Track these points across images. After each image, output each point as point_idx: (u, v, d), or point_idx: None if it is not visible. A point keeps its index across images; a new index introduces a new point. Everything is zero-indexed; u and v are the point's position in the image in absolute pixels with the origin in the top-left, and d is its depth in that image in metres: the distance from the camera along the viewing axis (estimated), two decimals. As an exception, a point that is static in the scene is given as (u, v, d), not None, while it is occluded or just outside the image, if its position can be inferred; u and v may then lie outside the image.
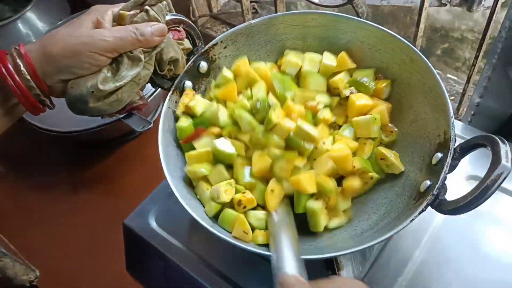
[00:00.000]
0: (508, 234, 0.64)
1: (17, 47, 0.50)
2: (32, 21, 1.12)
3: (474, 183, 0.68)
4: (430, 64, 0.56)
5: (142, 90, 0.63)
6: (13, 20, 1.10)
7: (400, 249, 0.64)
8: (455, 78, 0.98)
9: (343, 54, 0.65)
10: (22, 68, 0.49)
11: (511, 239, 0.64)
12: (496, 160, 0.44)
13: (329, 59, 0.66)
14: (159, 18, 0.56)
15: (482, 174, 0.55)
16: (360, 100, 0.62)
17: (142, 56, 0.53)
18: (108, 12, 0.55)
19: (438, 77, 0.55)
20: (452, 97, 0.93)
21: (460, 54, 2.11)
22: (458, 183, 0.69)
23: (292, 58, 0.66)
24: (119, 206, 0.91)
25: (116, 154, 0.98)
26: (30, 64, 0.49)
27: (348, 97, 0.63)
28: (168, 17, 0.58)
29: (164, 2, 0.58)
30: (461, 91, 0.86)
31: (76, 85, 0.51)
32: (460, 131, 0.75)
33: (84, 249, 0.90)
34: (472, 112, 0.79)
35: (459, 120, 0.83)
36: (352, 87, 0.64)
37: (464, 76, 1.78)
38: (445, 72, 2.14)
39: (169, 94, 0.63)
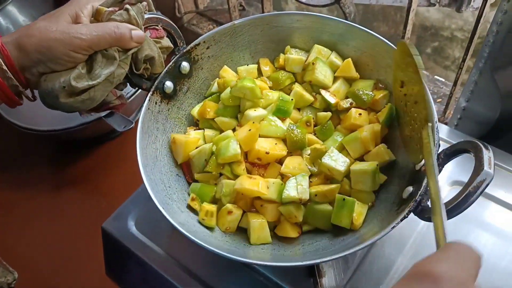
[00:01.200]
0: (493, 239, 0.64)
1: None
2: (13, 15, 1.09)
3: (458, 189, 0.69)
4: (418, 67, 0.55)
5: (122, 90, 0.62)
6: (-6, 13, 1.07)
7: (383, 255, 0.64)
8: (443, 80, 0.97)
9: (349, 60, 0.64)
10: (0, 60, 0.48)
11: (496, 244, 0.64)
12: (478, 166, 0.44)
13: (336, 58, 0.65)
14: (138, 20, 0.55)
15: (466, 179, 0.54)
16: (356, 119, 0.60)
17: (117, 55, 0.52)
18: (88, 6, 0.54)
19: (424, 80, 0.54)
20: (439, 99, 0.92)
21: (449, 53, 2.11)
22: (442, 188, 0.69)
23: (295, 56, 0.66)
24: (100, 206, 0.90)
25: (98, 153, 0.96)
26: (7, 56, 0.48)
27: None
28: (146, 16, 0.57)
29: (144, 3, 0.57)
30: (448, 93, 0.85)
31: (49, 79, 0.51)
32: (445, 135, 0.75)
33: (64, 250, 0.88)
34: (459, 116, 0.78)
35: (446, 123, 0.83)
36: (350, 99, 0.62)
37: (453, 75, 1.78)
38: (435, 70, 2.14)
39: (149, 95, 0.62)
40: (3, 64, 0.48)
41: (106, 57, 0.52)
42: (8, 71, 0.49)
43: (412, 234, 0.65)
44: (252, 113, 0.61)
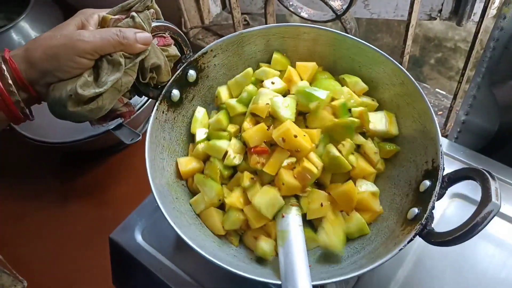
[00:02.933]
0: (492, 251, 0.65)
1: (1, 53, 0.49)
2: (25, 30, 1.12)
3: (458, 201, 0.70)
4: (420, 89, 0.56)
5: (130, 99, 0.61)
6: (7, 29, 1.10)
7: (382, 267, 0.64)
8: (444, 92, 0.98)
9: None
10: (6, 73, 0.48)
11: (495, 255, 0.64)
12: (486, 197, 0.45)
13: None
14: (145, 26, 0.54)
15: (466, 192, 0.54)
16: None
17: (122, 60, 0.52)
18: (94, 15, 0.53)
19: (429, 104, 0.55)
20: (440, 112, 0.94)
21: (453, 64, 2.12)
22: (441, 201, 0.70)
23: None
24: (107, 216, 0.92)
25: (106, 164, 0.98)
26: (14, 69, 0.48)
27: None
28: (154, 24, 0.57)
29: (152, 10, 0.57)
30: (449, 106, 0.87)
31: (56, 88, 0.50)
32: (446, 148, 0.76)
33: (72, 260, 0.90)
34: (458, 129, 0.79)
35: (446, 136, 0.84)
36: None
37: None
38: (439, 81, 2.15)
39: (157, 104, 0.62)
40: (9, 78, 0.48)
41: (111, 63, 0.51)
42: (12, 85, 0.48)
43: (412, 246, 0.66)
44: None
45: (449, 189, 0.70)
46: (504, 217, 0.68)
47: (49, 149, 0.91)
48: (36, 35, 1.12)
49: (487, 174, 0.47)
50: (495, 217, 0.67)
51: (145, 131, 0.62)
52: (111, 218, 0.89)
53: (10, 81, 0.48)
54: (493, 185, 0.46)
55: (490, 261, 0.64)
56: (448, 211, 0.69)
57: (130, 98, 0.61)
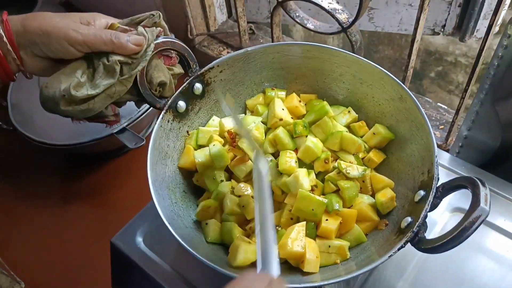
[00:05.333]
0: (491, 265, 0.65)
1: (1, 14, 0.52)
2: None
3: (459, 215, 0.71)
4: (418, 104, 0.58)
5: (120, 107, 0.63)
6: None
7: (384, 279, 0.65)
8: (445, 107, 0.99)
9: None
10: (1, 32, 0.50)
11: (494, 270, 0.65)
12: (475, 202, 0.46)
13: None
14: (147, 34, 0.56)
15: (466, 206, 0.55)
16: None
17: (117, 68, 0.54)
18: (103, 20, 0.56)
19: (426, 117, 0.56)
20: (442, 126, 0.95)
21: (453, 78, 2.14)
22: (442, 215, 0.71)
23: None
24: (107, 220, 0.92)
25: (107, 168, 0.98)
26: (8, 30, 0.51)
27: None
28: (160, 39, 0.59)
29: (160, 28, 0.59)
30: (451, 120, 0.88)
31: (50, 86, 0.52)
32: (447, 162, 0.77)
33: (72, 262, 0.90)
34: (460, 144, 0.80)
35: (447, 150, 0.85)
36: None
37: (456, 99, 1.81)
38: (438, 94, 2.17)
39: (162, 113, 0.64)
40: (4, 37, 0.50)
41: (107, 69, 0.54)
42: (8, 43, 0.50)
43: (414, 258, 0.67)
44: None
45: (450, 203, 0.71)
46: (504, 232, 0.68)
47: (51, 150, 0.91)
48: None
49: (478, 181, 0.47)
50: (496, 233, 0.69)
51: (149, 136, 0.63)
52: (112, 221, 0.89)
53: (5, 40, 0.50)
54: (483, 191, 0.46)
55: (490, 276, 0.65)
56: (449, 225, 0.69)
57: (120, 107, 0.63)
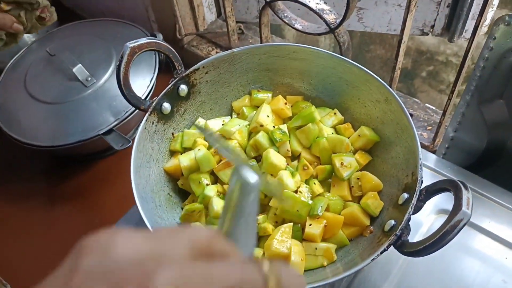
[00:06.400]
0: (477, 267, 0.66)
1: None
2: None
3: (444, 217, 0.71)
4: (403, 106, 0.58)
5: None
6: None
7: (369, 281, 0.65)
8: (433, 107, 0.99)
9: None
10: None
11: (480, 273, 0.65)
12: (457, 206, 0.46)
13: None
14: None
15: (448, 206, 0.55)
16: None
17: None
18: None
19: (411, 119, 0.56)
20: (430, 127, 0.95)
21: (444, 77, 2.15)
22: (428, 218, 0.71)
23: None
24: (94, 222, 0.91)
25: (94, 169, 0.97)
26: None
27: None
28: (145, 40, 0.59)
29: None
30: (438, 121, 0.88)
31: None
32: (433, 164, 0.77)
33: (57, 265, 0.89)
34: (447, 145, 0.80)
35: (435, 151, 0.85)
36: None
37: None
38: (429, 93, 2.18)
39: (147, 115, 0.63)
40: None
41: None
42: None
43: (399, 260, 0.67)
44: None
45: (436, 205, 0.71)
46: (490, 234, 0.69)
47: (37, 151, 0.90)
48: (29, 36, 1.11)
49: (460, 184, 0.48)
50: (481, 235, 0.69)
51: (135, 138, 0.63)
52: (97, 223, 0.88)
53: None
54: (465, 194, 0.46)
55: (475, 277, 0.65)
56: (434, 227, 0.70)
57: None
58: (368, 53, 2.20)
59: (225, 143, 0.60)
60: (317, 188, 0.62)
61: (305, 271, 0.57)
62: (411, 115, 0.98)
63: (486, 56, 0.69)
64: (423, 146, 0.91)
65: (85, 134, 0.86)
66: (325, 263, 0.57)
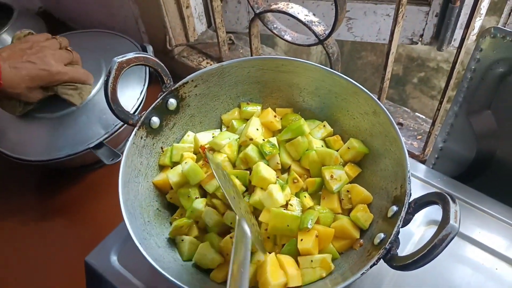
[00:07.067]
0: (468, 277, 0.66)
1: None
2: (7, 43, 1.11)
3: (434, 228, 0.71)
4: (392, 118, 0.58)
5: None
6: (-12, 41, 1.09)
7: (360, 293, 0.65)
8: (423, 117, 1.00)
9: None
10: None
11: (471, 282, 0.65)
12: (445, 220, 0.46)
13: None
14: None
15: (438, 217, 0.55)
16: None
17: None
18: None
19: (399, 132, 0.57)
20: (420, 136, 0.95)
21: (435, 83, 2.17)
22: (418, 228, 0.71)
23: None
24: (84, 237, 0.90)
25: (83, 183, 0.96)
26: None
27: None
28: (132, 55, 0.59)
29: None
30: (428, 131, 0.88)
31: None
32: (423, 174, 0.77)
33: (48, 279, 0.88)
34: (436, 156, 0.81)
35: (424, 161, 0.85)
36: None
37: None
38: (421, 99, 2.19)
39: (135, 130, 0.63)
40: None
41: None
42: None
43: (389, 272, 0.66)
44: None
45: (426, 216, 0.71)
46: (480, 245, 0.69)
47: (26, 166, 0.90)
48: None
49: (448, 197, 0.48)
50: (471, 245, 0.69)
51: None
52: (87, 238, 0.88)
53: None
54: (453, 207, 0.46)
55: (466, 287, 0.65)
56: (425, 238, 0.70)
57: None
58: (360, 59, 2.22)
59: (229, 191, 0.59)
60: (308, 201, 0.61)
61: (305, 285, 0.56)
62: (401, 124, 0.98)
63: (473, 67, 0.69)
64: (413, 156, 0.91)
65: (75, 148, 0.86)
66: (324, 274, 0.57)
